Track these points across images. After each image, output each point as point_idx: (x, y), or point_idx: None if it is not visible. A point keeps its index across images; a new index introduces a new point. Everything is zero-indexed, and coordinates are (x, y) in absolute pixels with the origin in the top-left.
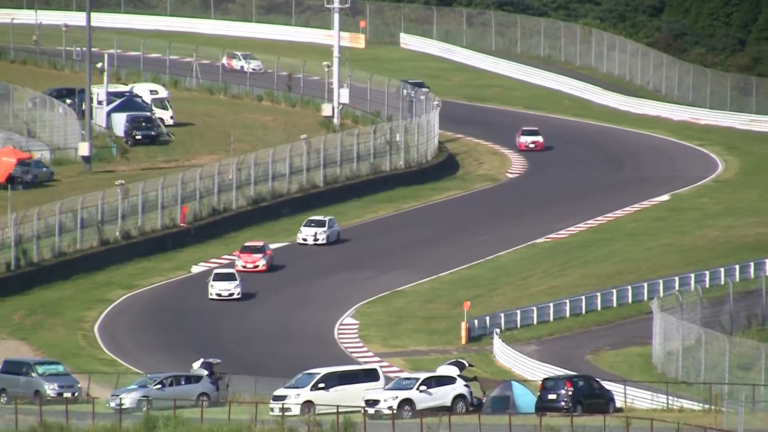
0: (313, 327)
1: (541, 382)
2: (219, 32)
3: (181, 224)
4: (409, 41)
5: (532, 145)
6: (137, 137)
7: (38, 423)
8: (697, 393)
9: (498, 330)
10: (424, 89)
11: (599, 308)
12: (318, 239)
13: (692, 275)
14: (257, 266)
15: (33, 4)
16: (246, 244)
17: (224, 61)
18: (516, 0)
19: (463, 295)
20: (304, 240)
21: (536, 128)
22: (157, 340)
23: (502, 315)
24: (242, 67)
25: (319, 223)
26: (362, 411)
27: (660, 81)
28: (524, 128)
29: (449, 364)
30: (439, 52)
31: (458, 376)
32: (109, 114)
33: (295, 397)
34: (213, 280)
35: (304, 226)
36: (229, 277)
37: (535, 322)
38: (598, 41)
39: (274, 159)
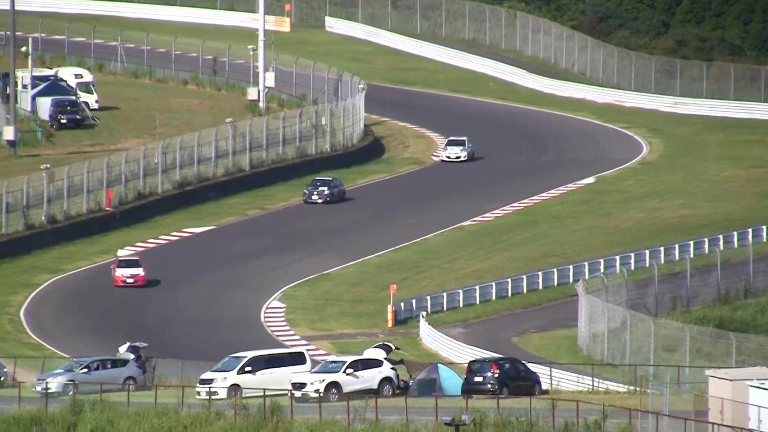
0: (239, 310)
1: (467, 365)
2: (144, 16)
3: (107, 208)
4: (335, 25)
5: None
6: (62, 121)
7: None
8: (622, 375)
9: (424, 313)
10: None
11: (525, 291)
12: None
13: (617, 257)
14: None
15: None
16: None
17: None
18: None
19: (390, 278)
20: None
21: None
22: (83, 324)
23: (429, 298)
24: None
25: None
26: (289, 394)
27: (585, 64)
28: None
29: (376, 347)
30: (365, 35)
31: (385, 359)
32: (34, 98)
33: (221, 381)
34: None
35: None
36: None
37: (461, 305)
38: (523, 24)
39: (200, 143)
